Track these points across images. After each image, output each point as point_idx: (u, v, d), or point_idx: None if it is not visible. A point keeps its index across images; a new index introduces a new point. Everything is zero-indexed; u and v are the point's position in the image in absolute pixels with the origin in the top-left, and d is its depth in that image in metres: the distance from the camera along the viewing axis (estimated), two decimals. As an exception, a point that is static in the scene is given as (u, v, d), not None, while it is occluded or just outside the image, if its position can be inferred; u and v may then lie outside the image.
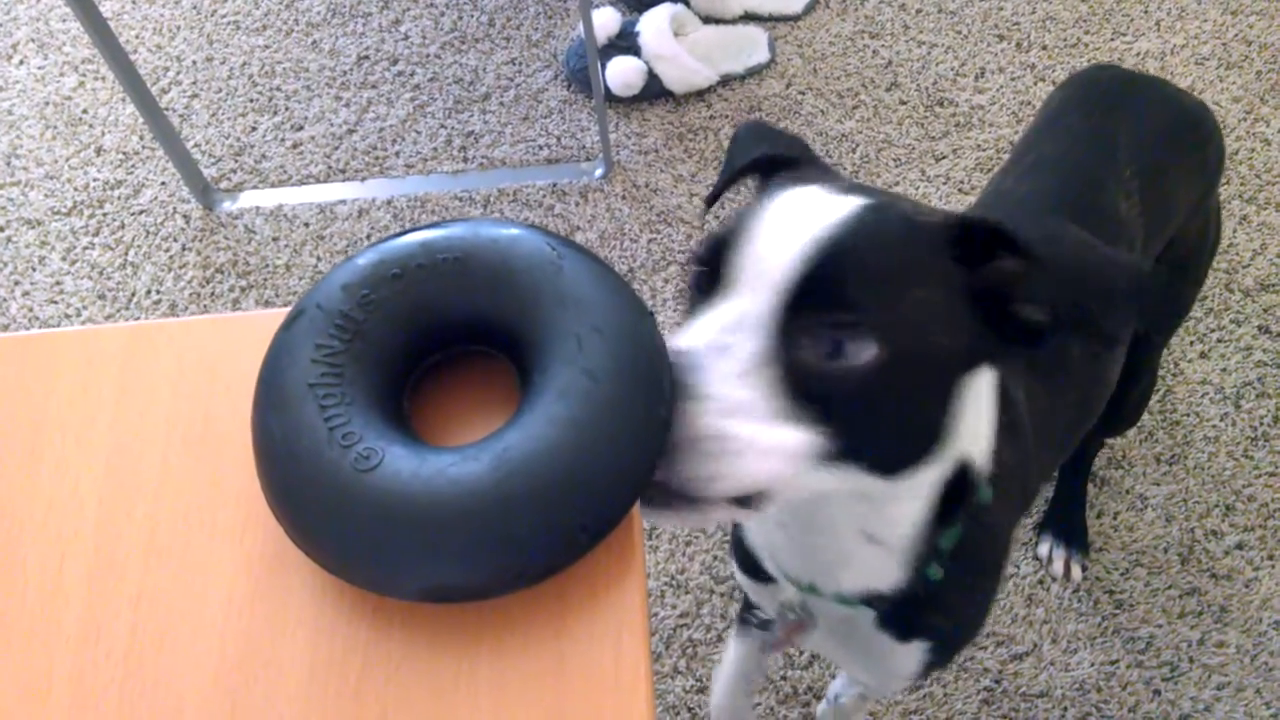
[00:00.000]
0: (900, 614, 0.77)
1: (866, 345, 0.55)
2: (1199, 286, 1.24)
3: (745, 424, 0.55)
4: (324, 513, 0.48)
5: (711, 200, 0.77)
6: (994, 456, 0.71)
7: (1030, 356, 0.80)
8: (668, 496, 0.56)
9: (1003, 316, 0.59)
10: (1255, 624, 1.44)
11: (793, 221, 0.59)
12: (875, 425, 0.59)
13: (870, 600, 0.75)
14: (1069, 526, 1.46)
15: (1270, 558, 1.48)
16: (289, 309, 0.55)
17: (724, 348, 0.57)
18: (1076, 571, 1.45)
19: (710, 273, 0.61)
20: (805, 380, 0.56)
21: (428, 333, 0.53)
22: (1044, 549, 1.47)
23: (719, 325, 0.58)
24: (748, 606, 1.13)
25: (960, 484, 0.69)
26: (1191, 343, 1.64)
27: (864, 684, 1.16)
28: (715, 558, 1.50)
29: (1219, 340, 1.64)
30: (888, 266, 0.58)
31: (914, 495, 0.67)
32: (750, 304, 0.58)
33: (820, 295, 0.56)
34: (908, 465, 0.63)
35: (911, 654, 0.82)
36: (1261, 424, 1.58)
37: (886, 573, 0.72)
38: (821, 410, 0.57)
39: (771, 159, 0.71)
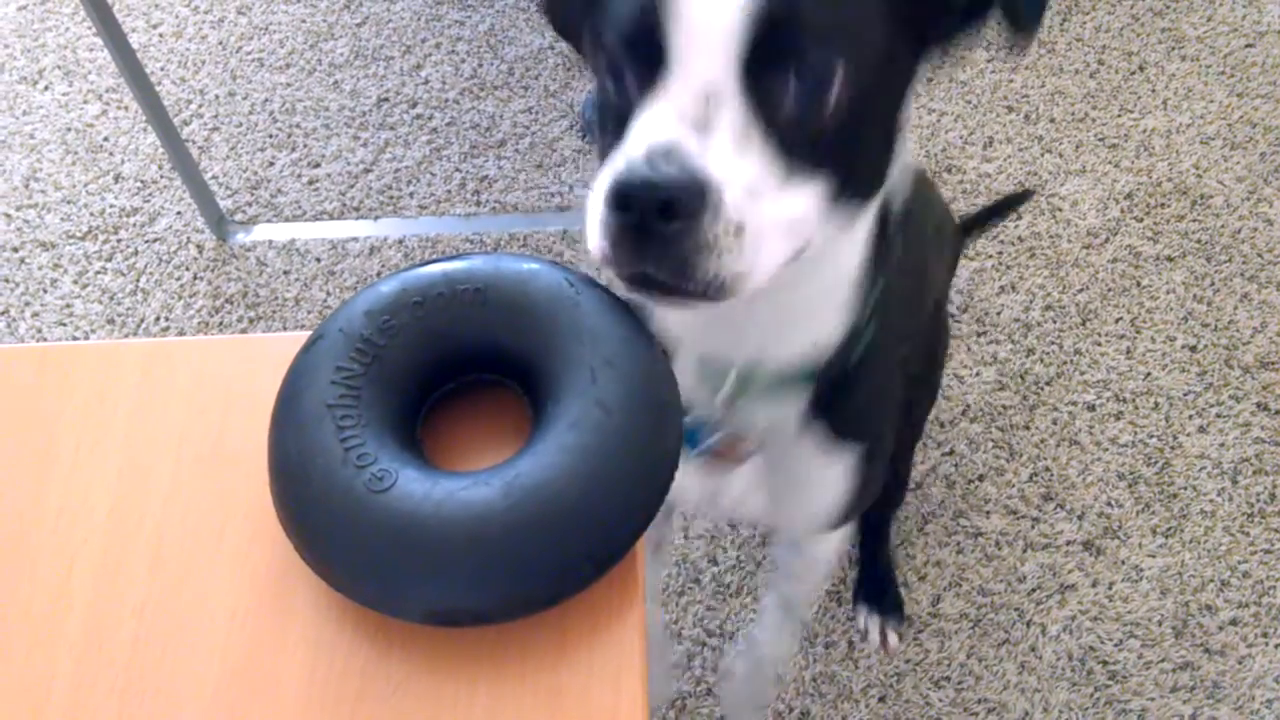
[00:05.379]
0: (832, 399, 0.73)
1: (836, 76, 0.52)
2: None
3: (764, 202, 0.52)
4: (336, 530, 0.49)
5: None
6: (890, 242, 0.69)
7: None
8: (653, 288, 0.55)
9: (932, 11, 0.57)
10: (1248, 701, 1.43)
11: None
12: (855, 153, 0.57)
13: (810, 373, 0.70)
14: (880, 595, 1.44)
15: (1264, 635, 1.48)
16: (309, 332, 0.56)
17: (702, 125, 0.51)
18: (894, 639, 1.42)
19: (636, 55, 0.54)
20: (791, 133, 0.52)
21: (444, 360, 0.54)
22: (860, 620, 1.44)
23: (680, 105, 0.51)
24: None
25: (880, 239, 0.67)
26: (1190, 417, 1.65)
27: (783, 582, 1.13)
28: (708, 608, 1.49)
29: (1218, 415, 1.65)
30: None
31: (856, 240, 0.65)
32: (706, 69, 0.51)
33: (778, 39, 0.51)
34: (878, 186, 0.61)
35: (839, 468, 0.78)
36: (1258, 500, 1.58)
37: (829, 326, 0.68)
38: (811, 158, 0.53)
39: None
